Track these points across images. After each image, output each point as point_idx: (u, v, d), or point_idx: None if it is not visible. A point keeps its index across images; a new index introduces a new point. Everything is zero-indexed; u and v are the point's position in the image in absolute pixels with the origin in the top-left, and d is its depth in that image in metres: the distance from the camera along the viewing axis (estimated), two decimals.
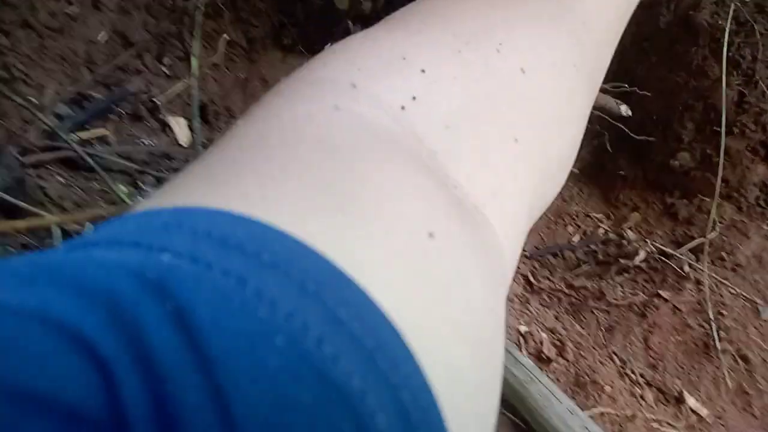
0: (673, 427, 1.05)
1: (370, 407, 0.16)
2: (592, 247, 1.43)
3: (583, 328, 1.24)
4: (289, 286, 0.17)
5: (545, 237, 1.47)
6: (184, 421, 0.14)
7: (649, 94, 1.40)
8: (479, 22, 0.31)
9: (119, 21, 1.28)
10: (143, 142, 1.18)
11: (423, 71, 0.28)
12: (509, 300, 1.26)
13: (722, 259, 1.29)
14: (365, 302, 0.18)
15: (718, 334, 1.15)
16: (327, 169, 0.22)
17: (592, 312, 1.27)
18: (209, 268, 0.16)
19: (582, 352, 1.17)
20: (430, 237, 0.22)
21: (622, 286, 1.31)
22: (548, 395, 1.04)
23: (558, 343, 1.19)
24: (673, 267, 1.29)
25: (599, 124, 1.41)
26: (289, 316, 0.16)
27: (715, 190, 1.30)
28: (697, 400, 1.08)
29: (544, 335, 1.19)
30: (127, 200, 0.99)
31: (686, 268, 1.28)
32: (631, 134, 1.39)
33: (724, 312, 1.19)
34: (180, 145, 1.20)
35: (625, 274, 1.34)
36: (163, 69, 1.28)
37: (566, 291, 1.34)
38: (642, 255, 1.35)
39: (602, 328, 1.24)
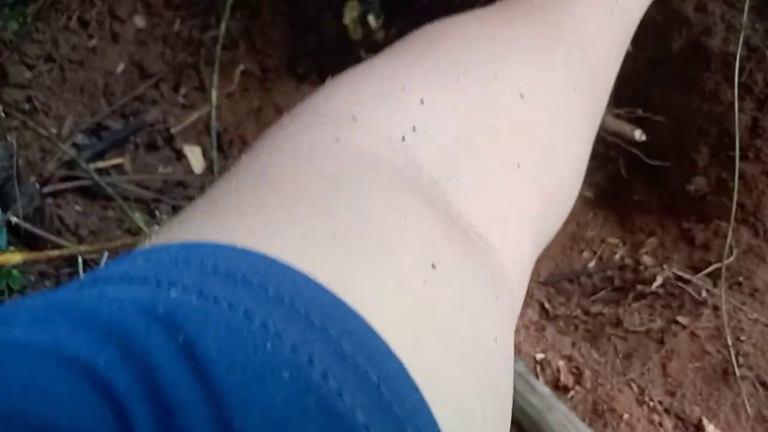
0: None
1: None
2: (609, 273, 1.42)
3: (600, 356, 1.23)
4: (294, 319, 0.17)
5: (560, 263, 1.47)
6: None
7: (663, 119, 1.40)
8: (476, 50, 0.31)
9: (137, 52, 1.31)
10: (159, 171, 1.20)
11: (422, 101, 0.28)
12: (525, 327, 1.25)
13: (739, 284, 1.27)
14: (369, 334, 0.18)
15: (737, 360, 1.14)
16: (329, 199, 0.22)
17: (609, 339, 1.26)
18: (216, 303, 0.17)
19: (599, 380, 1.15)
20: (433, 268, 0.22)
21: (639, 313, 1.30)
22: (566, 424, 1.02)
23: (575, 370, 1.18)
24: (690, 293, 1.28)
25: (614, 149, 1.41)
26: (295, 349, 0.16)
27: (730, 215, 1.29)
28: (716, 426, 1.06)
29: (561, 363, 1.18)
30: (143, 227, 1.00)
31: (703, 294, 1.26)
32: (646, 159, 1.39)
33: (743, 338, 1.17)
34: (194, 174, 1.22)
35: (642, 300, 1.33)
36: (179, 99, 1.30)
37: (582, 317, 1.33)
38: (659, 281, 1.34)
39: (620, 355, 1.22)
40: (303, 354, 0.16)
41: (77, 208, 1.07)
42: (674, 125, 1.44)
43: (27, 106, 1.17)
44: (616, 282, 1.39)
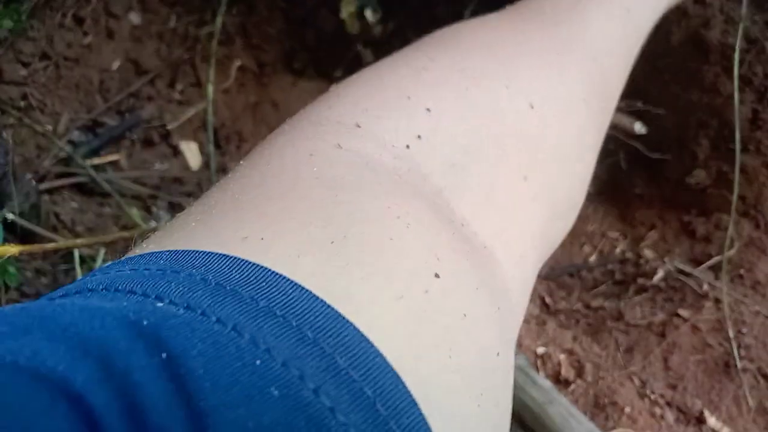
0: None
1: None
2: (609, 266, 1.42)
3: (601, 349, 1.22)
4: (285, 333, 0.16)
5: (561, 257, 1.46)
6: None
7: (662, 112, 1.39)
8: (487, 58, 0.31)
9: (133, 49, 1.30)
10: (155, 167, 1.19)
11: (428, 110, 0.27)
12: (526, 321, 1.24)
13: (741, 276, 1.27)
14: (365, 348, 0.17)
15: (739, 353, 1.13)
16: (328, 207, 0.21)
17: (611, 332, 1.25)
18: (204, 316, 0.16)
19: (601, 373, 1.15)
20: (435, 277, 0.21)
21: (640, 306, 1.29)
22: (567, 417, 1.02)
23: (576, 364, 1.17)
24: (692, 286, 1.27)
25: (613, 142, 1.40)
26: (286, 365, 0.16)
27: (731, 208, 1.28)
28: (717, 419, 1.05)
29: (562, 356, 1.18)
30: (140, 223, 1.00)
31: (705, 287, 1.26)
32: (646, 152, 1.38)
33: (744, 330, 1.17)
34: (191, 170, 1.21)
35: (643, 294, 1.32)
36: (176, 95, 1.29)
37: (583, 311, 1.32)
38: (660, 274, 1.34)
39: (621, 348, 1.22)
40: (294, 370, 0.16)
41: (73, 204, 1.07)
42: (674, 118, 1.43)
43: (22, 104, 1.16)
44: (617, 276, 1.38)
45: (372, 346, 0.17)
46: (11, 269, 0.86)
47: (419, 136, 0.26)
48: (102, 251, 0.94)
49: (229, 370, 0.15)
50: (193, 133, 1.27)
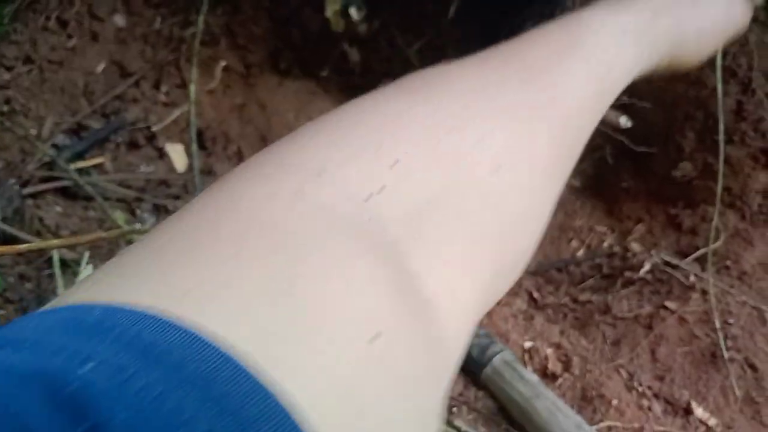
0: None
1: None
2: (597, 260, 1.42)
3: (589, 343, 1.22)
4: (208, 403, 0.16)
5: (549, 252, 1.46)
6: None
7: (648, 105, 1.39)
8: (462, 113, 0.30)
9: (117, 51, 1.30)
10: (141, 170, 1.19)
11: (397, 161, 0.27)
12: (513, 316, 1.24)
13: (727, 267, 1.27)
14: (284, 420, 0.17)
15: (726, 343, 1.13)
16: (275, 261, 0.21)
17: (598, 326, 1.26)
18: (132, 381, 0.16)
19: (588, 367, 1.15)
20: (373, 340, 0.21)
21: (627, 299, 1.30)
22: (555, 411, 1.02)
23: (564, 358, 1.17)
24: (679, 278, 1.28)
25: (600, 137, 1.40)
26: None
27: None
28: (705, 410, 1.06)
29: (549, 351, 1.18)
30: (125, 226, 1.00)
31: (691, 278, 1.26)
32: (632, 146, 1.39)
33: (731, 321, 1.17)
34: (177, 172, 1.21)
35: (631, 287, 1.33)
36: (161, 97, 1.29)
37: (571, 306, 1.33)
38: (647, 267, 1.34)
39: (608, 341, 1.22)
40: None
41: (58, 208, 1.07)
42: (660, 111, 1.44)
43: (6, 108, 1.16)
44: (605, 269, 1.39)
45: (290, 419, 0.18)
46: None
47: (384, 187, 0.26)
48: (86, 254, 0.94)
49: None
50: (179, 135, 1.27)
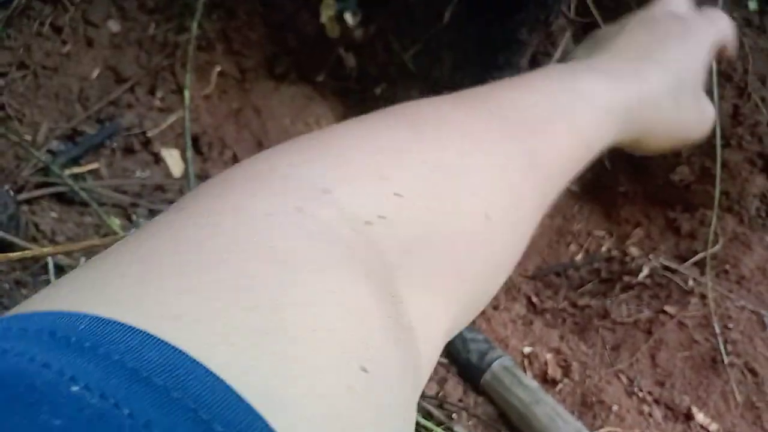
0: None
1: None
2: (596, 265, 1.42)
3: (588, 348, 1.22)
4: (197, 429, 0.16)
5: (547, 257, 1.46)
6: None
7: None
8: (463, 158, 0.32)
9: (112, 57, 1.30)
10: (136, 175, 1.18)
11: (398, 195, 0.28)
12: (512, 321, 1.24)
13: (726, 272, 1.27)
14: None
15: (725, 348, 1.13)
16: (265, 285, 0.21)
17: (597, 331, 1.25)
18: (117, 409, 0.16)
19: (588, 372, 1.15)
20: (361, 372, 0.21)
21: (626, 304, 1.29)
22: (554, 417, 1.01)
23: (563, 363, 1.17)
24: (677, 282, 1.27)
25: None
26: None
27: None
28: (706, 415, 1.05)
29: (548, 356, 1.17)
30: (120, 232, 0.99)
31: (690, 283, 1.26)
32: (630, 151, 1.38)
33: (730, 325, 1.17)
34: (173, 177, 1.20)
35: (630, 291, 1.32)
36: (156, 103, 1.29)
37: (570, 310, 1.32)
38: (646, 271, 1.34)
39: (608, 346, 1.21)
40: None
41: (53, 214, 1.06)
42: None
43: (0, 114, 1.15)
44: (603, 274, 1.38)
45: None
46: None
47: (383, 217, 0.27)
48: (82, 260, 0.93)
49: None
50: (175, 140, 1.26)
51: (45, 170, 1.10)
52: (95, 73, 1.27)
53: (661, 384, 1.12)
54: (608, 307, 1.28)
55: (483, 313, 1.22)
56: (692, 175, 1.39)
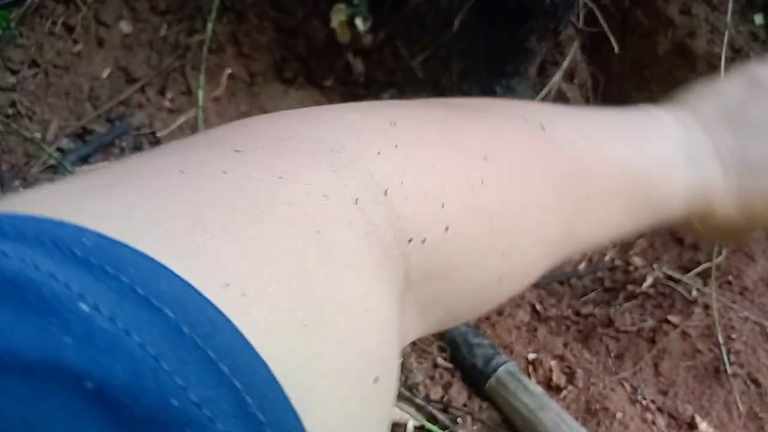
0: None
1: None
2: (599, 274, 1.42)
3: (592, 356, 1.22)
4: (206, 370, 0.16)
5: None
6: None
7: None
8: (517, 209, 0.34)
9: (123, 57, 1.30)
10: None
11: (448, 228, 0.28)
12: (516, 328, 1.24)
13: (729, 282, 1.27)
14: (283, 402, 0.17)
15: (729, 358, 1.13)
16: (311, 273, 0.21)
17: (601, 339, 1.25)
18: (127, 336, 0.15)
19: (592, 379, 1.15)
20: (374, 382, 0.21)
21: (630, 313, 1.29)
22: (559, 422, 1.02)
23: (567, 370, 1.17)
24: (681, 292, 1.28)
25: None
26: (198, 406, 0.15)
27: None
28: (709, 425, 1.05)
29: (553, 363, 1.18)
30: None
31: (694, 293, 1.26)
32: None
33: (734, 336, 1.17)
34: None
35: (633, 301, 1.32)
36: (166, 103, 1.29)
37: (574, 318, 1.32)
38: (649, 281, 1.34)
39: (611, 354, 1.22)
40: (206, 412, 0.16)
41: None
42: None
43: (11, 111, 1.16)
44: (607, 283, 1.39)
45: (288, 401, 0.17)
46: None
47: (425, 240, 0.27)
48: None
49: (146, 404, 0.15)
50: None
51: (54, 168, 1.11)
52: (106, 73, 1.28)
53: (665, 393, 1.12)
54: (612, 316, 1.28)
55: (488, 318, 1.22)
56: None
